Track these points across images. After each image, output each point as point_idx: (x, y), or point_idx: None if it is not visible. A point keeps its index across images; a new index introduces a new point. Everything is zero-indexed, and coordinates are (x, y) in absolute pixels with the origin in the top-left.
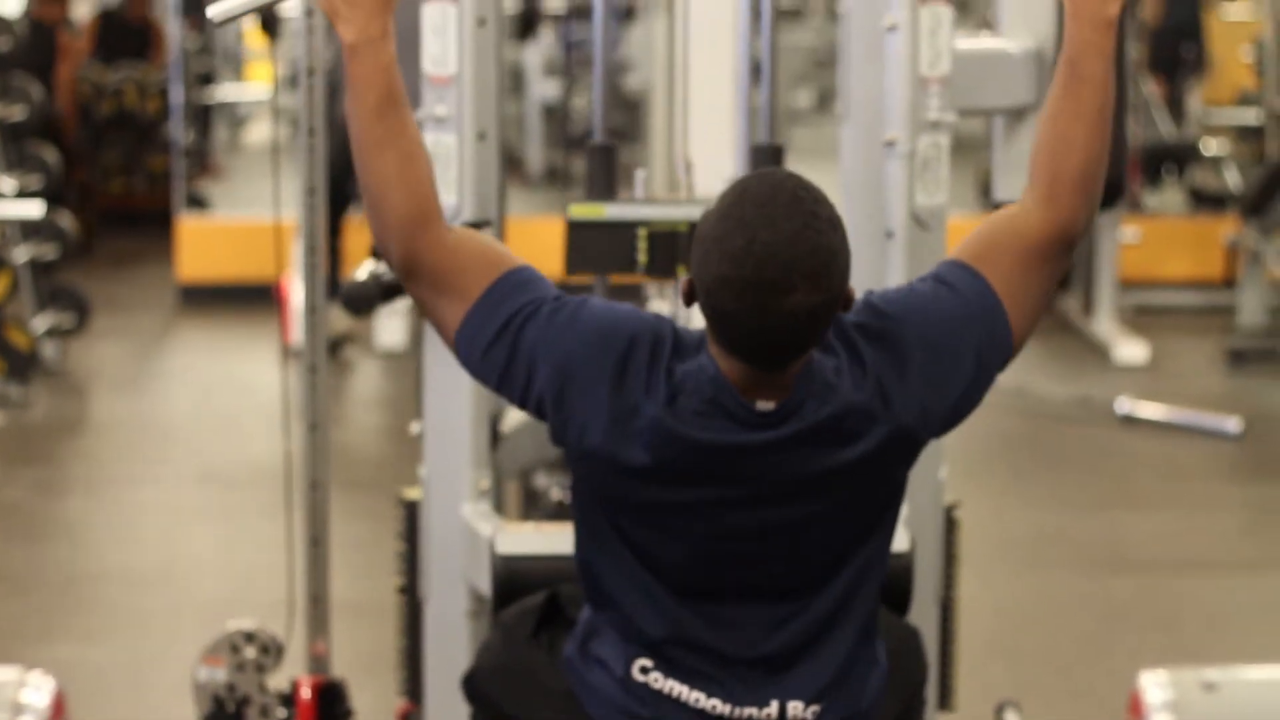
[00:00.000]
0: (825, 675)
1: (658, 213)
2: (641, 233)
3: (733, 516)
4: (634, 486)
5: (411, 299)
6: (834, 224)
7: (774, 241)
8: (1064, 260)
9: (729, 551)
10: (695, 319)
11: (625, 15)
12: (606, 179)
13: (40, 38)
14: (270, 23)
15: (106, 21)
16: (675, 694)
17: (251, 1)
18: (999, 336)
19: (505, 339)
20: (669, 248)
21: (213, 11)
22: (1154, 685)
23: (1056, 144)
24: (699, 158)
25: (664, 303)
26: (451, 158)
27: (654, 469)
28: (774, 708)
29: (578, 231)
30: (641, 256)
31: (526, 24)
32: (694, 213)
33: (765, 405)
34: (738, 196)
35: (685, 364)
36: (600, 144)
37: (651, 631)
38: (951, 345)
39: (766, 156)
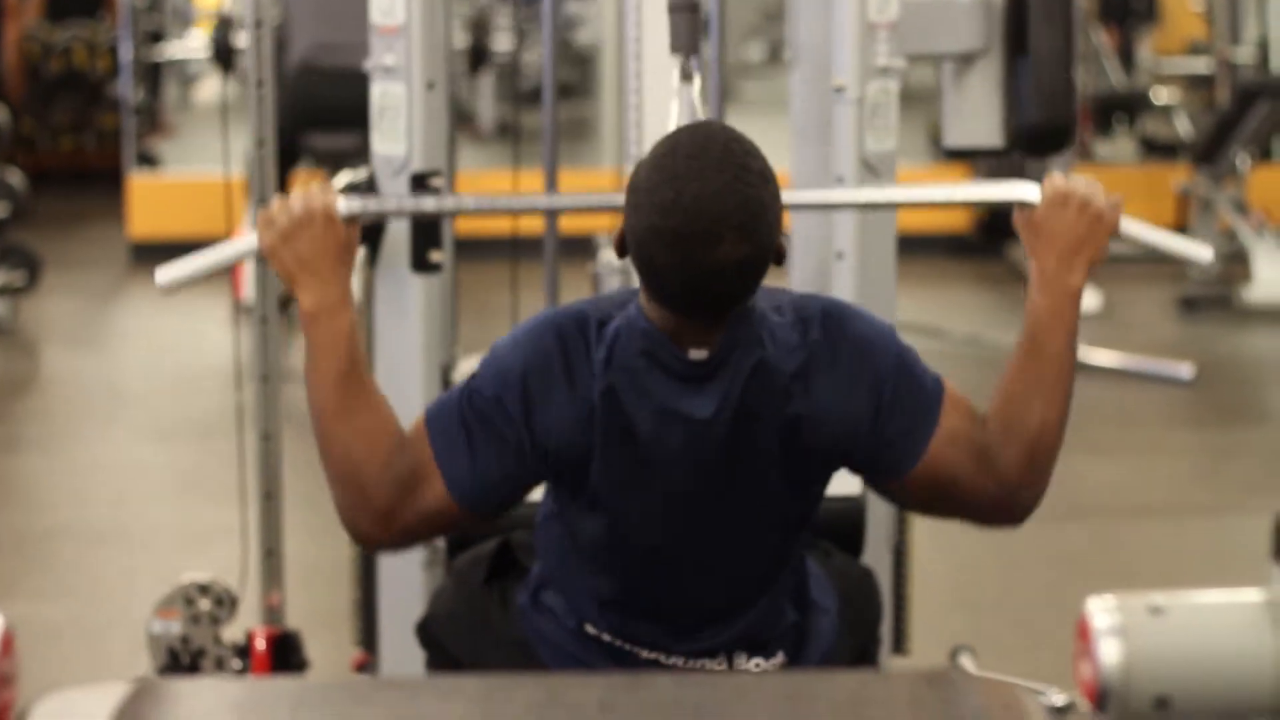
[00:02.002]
0: (766, 631)
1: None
2: None
3: (676, 491)
4: (594, 476)
5: (402, 544)
6: (765, 177)
7: (703, 193)
8: (990, 495)
9: (673, 530)
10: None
11: None
12: None
13: None
14: (224, 53)
15: None
16: (629, 648)
17: (199, 268)
18: (909, 436)
19: (475, 433)
20: None
21: (160, 278)
22: (1101, 610)
23: (1011, 407)
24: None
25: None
26: (400, 107)
27: (609, 453)
28: (721, 661)
29: None
30: None
31: (476, 59)
32: None
33: (698, 354)
34: (669, 148)
35: (614, 321)
36: None
37: (605, 594)
38: (878, 385)
39: None
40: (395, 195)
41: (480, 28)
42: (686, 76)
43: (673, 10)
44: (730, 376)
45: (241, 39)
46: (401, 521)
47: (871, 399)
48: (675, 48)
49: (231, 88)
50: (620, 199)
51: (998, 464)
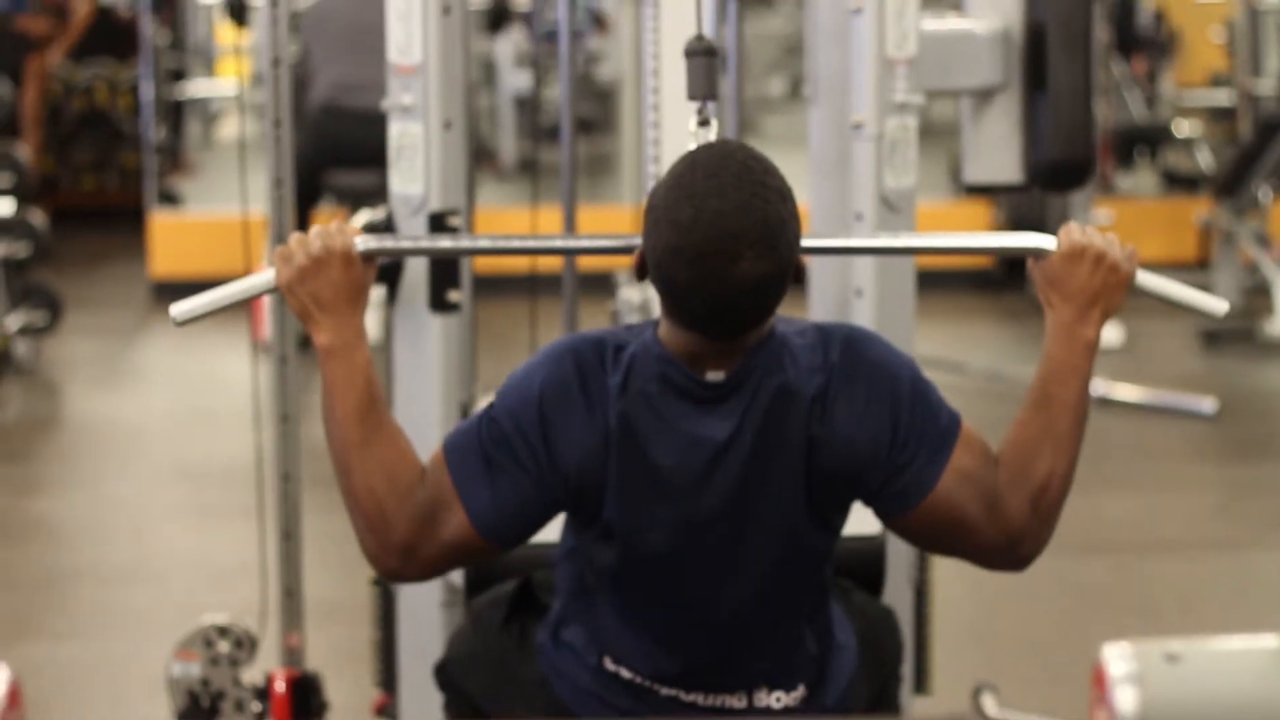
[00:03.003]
0: (787, 663)
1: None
2: None
3: (693, 517)
4: (610, 494)
5: (425, 576)
6: (784, 195)
7: (722, 210)
8: (993, 538)
9: (693, 543)
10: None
11: (597, 23)
12: None
13: (6, 35)
14: (238, 11)
15: (102, 18)
16: (648, 684)
17: (214, 302)
18: (921, 468)
19: (495, 461)
20: None
21: (175, 312)
22: (1117, 658)
23: (1019, 455)
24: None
25: (634, 289)
26: (418, 147)
27: (625, 479)
28: (742, 697)
29: None
30: None
31: (496, 19)
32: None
33: (715, 376)
34: (687, 167)
35: (630, 346)
36: None
37: (622, 643)
38: (894, 414)
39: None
40: (413, 236)
41: None
42: (704, 123)
43: (689, 55)
44: (749, 398)
45: None
46: (424, 553)
47: (888, 425)
48: (692, 94)
49: (251, 125)
50: (638, 240)
51: (1004, 510)
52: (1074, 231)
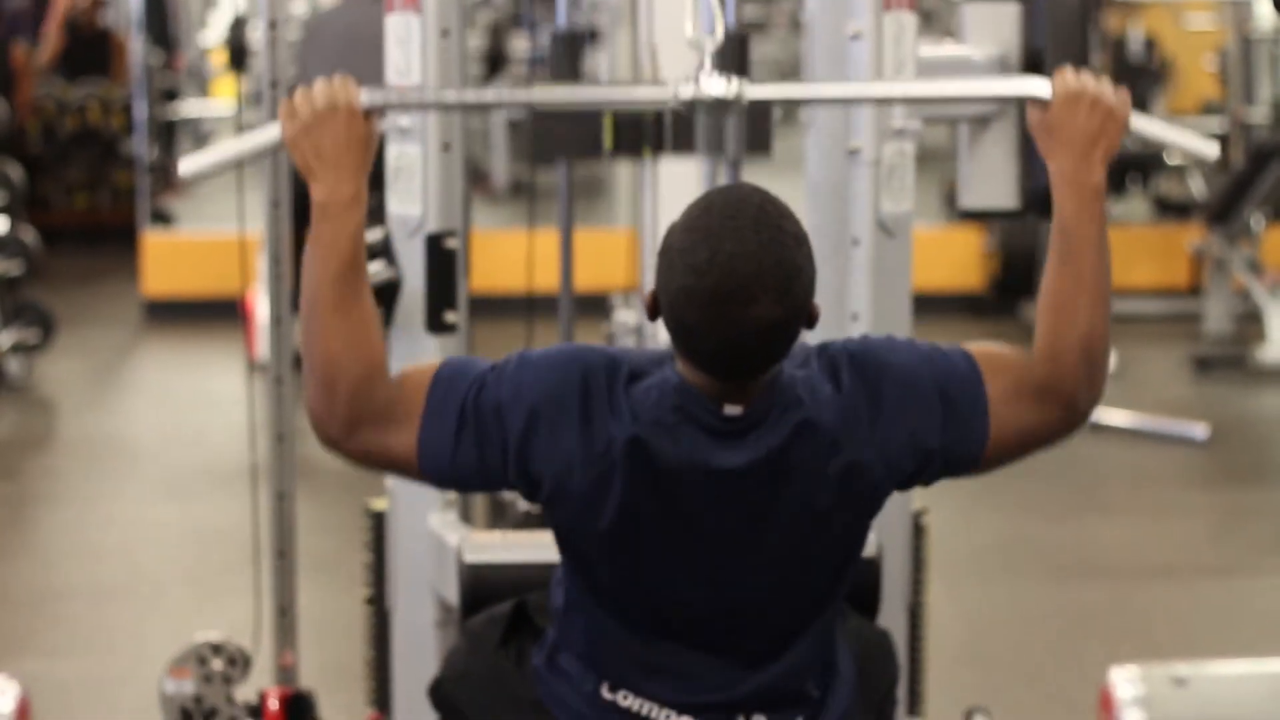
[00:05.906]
0: (786, 694)
1: (622, 95)
2: (606, 117)
3: (702, 545)
4: (609, 524)
5: (355, 460)
6: (800, 240)
7: (738, 253)
8: (1058, 419)
9: (696, 586)
10: (662, 333)
11: (590, 38)
12: (571, 66)
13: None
14: (239, 55)
15: (72, 34)
16: (646, 712)
17: (223, 157)
18: (971, 426)
19: (467, 427)
20: (634, 131)
21: (184, 168)
22: (1124, 681)
23: (1058, 312)
24: (664, 42)
25: (630, 311)
26: (415, 169)
27: (630, 501)
28: None
29: (544, 119)
30: (607, 140)
31: (493, 65)
32: (657, 95)
33: (733, 410)
34: (703, 210)
35: (643, 382)
36: (564, 31)
37: (621, 666)
38: (927, 404)
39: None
40: (418, 87)
41: (498, 33)
42: None
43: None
44: (768, 433)
45: (255, 38)
46: (364, 440)
47: (928, 420)
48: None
49: None
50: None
51: (1057, 385)
52: (1069, 76)
